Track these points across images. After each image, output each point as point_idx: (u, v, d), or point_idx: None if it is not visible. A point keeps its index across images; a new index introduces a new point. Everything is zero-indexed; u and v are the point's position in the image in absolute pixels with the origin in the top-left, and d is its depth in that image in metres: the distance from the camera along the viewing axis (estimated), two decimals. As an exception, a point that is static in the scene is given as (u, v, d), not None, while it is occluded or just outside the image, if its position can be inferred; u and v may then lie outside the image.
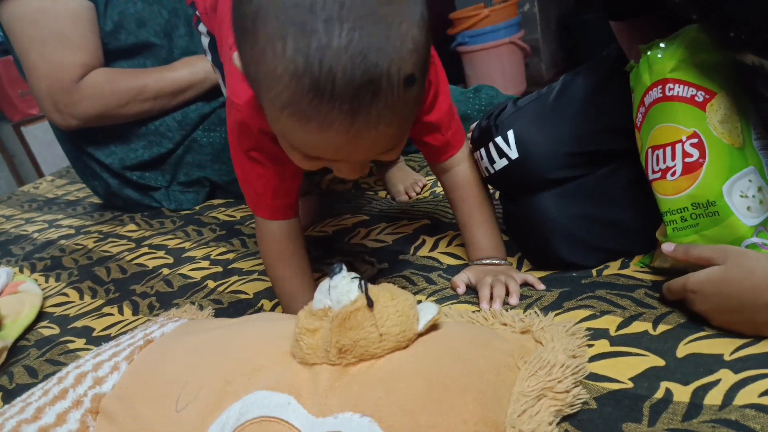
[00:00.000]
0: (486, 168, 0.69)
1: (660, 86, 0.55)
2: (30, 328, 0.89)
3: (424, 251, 0.81)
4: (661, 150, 0.55)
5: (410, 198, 1.00)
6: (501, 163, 0.67)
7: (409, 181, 1.01)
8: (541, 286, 0.65)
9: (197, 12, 0.86)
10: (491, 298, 0.64)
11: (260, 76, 0.46)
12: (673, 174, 0.54)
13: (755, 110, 0.55)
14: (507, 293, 0.65)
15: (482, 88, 1.18)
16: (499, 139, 0.67)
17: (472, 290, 0.68)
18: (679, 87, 0.54)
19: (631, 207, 0.65)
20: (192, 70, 1.15)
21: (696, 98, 0.54)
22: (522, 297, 0.64)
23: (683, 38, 0.55)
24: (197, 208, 1.23)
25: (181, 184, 1.25)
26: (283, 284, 0.71)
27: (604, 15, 0.64)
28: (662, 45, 0.56)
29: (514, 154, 0.66)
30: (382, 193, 1.07)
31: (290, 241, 0.71)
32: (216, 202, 1.24)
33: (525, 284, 0.67)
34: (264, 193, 0.70)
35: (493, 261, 0.70)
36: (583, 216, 0.65)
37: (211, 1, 0.81)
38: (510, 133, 0.66)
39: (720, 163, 0.52)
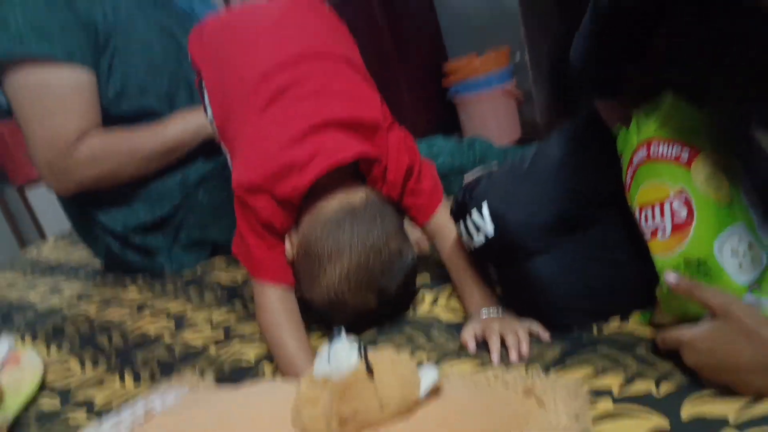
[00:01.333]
0: (467, 244, 0.70)
1: (645, 146, 0.56)
2: (31, 401, 0.88)
3: (423, 308, 0.81)
4: (650, 209, 0.56)
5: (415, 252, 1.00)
6: (479, 240, 0.67)
7: (414, 237, 1.02)
8: (547, 335, 0.65)
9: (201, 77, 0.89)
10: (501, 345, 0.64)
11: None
12: (663, 233, 0.55)
13: (743, 167, 0.56)
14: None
15: (476, 140, 1.20)
16: (474, 212, 0.67)
17: (481, 344, 0.68)
18: (663, 146, 0.55)
19: (625, 266, 0.65)
20: (184, 125, 1.16)
21: (681, 157, 0.55)
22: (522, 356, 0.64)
23: (663, 104, 0.57)
24: (199, 268, 1.24)
25: (182, 245, 1.26)
26: (281, 349, 0.72)
27: (593, 95, 0.65)
28: (646, 107, 0.57)
29: (490, 228, 0.65)
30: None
31: (287, 306, 0.75)
32: (218, 262, 1.25)
33: (530, 333, 0.66)
34: (263, 260, 0.73)
35: (495, 312, 0.71)
36: (577, 279, 0.64)
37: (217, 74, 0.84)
38: (484, 205, 0.66)
39: (708, 221, 0.53)
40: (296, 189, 0.71)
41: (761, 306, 0.52)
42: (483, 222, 0.66)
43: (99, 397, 0.84)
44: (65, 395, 0.87)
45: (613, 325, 0.65)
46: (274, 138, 0.73)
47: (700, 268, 0.52)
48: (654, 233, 0.55)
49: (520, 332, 0.65)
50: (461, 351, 0.68)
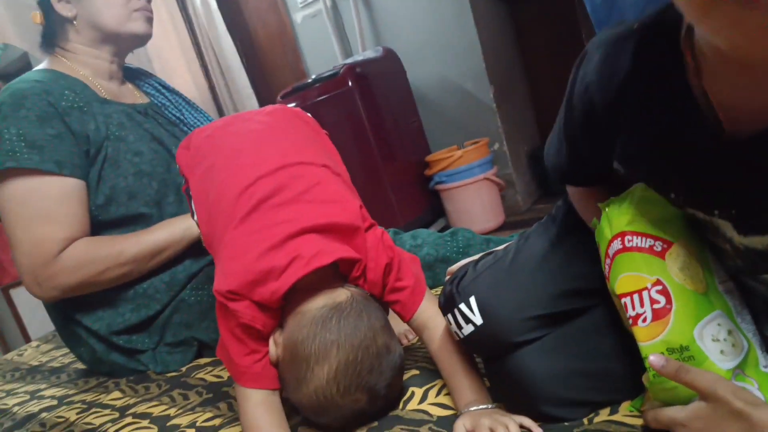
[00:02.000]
0: (456, 333, 0.71)
1: (619, 238, 0.58)
2: None
3: (413, 404, 0.79)
4: (629, 297, 0.57)
5: (402, 344, 1.00)
6: (468, 329, 0.68)
7: (400, 329, 1.02)
8: (539, 430, 0.64)
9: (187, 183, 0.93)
10: None
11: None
12: (645, 320, 0.55)
13: (715, 257, 0.58)
14: None
15: (458, 231, 1.23)
16: (462, 306, 0.68)
17: None
18: (637, 238, 0.57)
19: (612, 355, 0.65)
20: (170, 230, 1.18)
21: (654, 248, 0.57)
22: (515, 452, 0.62)
23: (633, 195, 0.59)
24: (184, 369, 1.21)
25: (168, 344, 1.24)
26: None
27: (561, 183, 0.68)
28: (616, 202, 0.60)
29: (478, 320, 0.67)
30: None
31: (270, 408, 0.74)
32: (203, 361, 1.22)
33: (522, 427, 0.65)
34: (244, 366, 0.73)
35: (484, 406, 0.70)
36: (565, 370, 0.65)
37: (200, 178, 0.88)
38: (472, 300, 0.68)
39: (687, 309, 0.54)
40: (275, 294, 0.72)
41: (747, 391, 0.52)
42: (472, 314, 0.67)
43: None
44: None
45: (603, 414, 0.64)
46: (253, 247, 0.74)
47: (683, 354, 0.53)
48: (635, 320, 0.56)
49: (511, 427, 0.64)
50: (452, 449, 0.66)
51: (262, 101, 2.61)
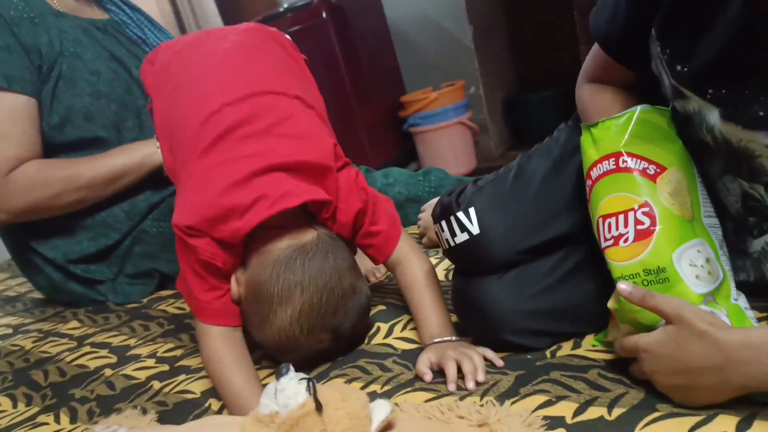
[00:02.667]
0: (447, 240, 0.70)
1: (613, 158, 0.58)
2: (-47, 445, 0.81)
3: (378, 338, 0.79)
4: (614, 218, 0.57)
5: (369, 281, 0.99)
6: (462, 237, 0.68)
7: (368, 266, 1.00)
8: (500, 363, 0.65)
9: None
10: (457, 375, 0.63)
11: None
12: (626, 240, 0.56)
13: (704, 189, 0.59)
14: None
15: (431, 170, 1.21)
16: (460, 214, 0.68)
17: (436, 373, 0.67)
18: (631, 160, 0.57)
19: (581, 291, 0.66)
20: (129, 155, 1.12)
21: (647, 170, 0.57)
22: (479, 383, 0.63)
23: (630, 117, 0.59)
24: (145, 300, 1.19)
25: (128, 276, 1.20)
26: (225, 387, 0.70)
27: (603, 47, 0.65)
28: (609, 123, 0.59)
29: (475, 229, 0.67)
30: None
31: (231, 343, 0.72)
32: (165, 293, 1.20)
33: (485, 360, 0.66)
34: (204, 302, 0.72)
35: (448, 338, 0.70)
36: (533, 303, 0.65)
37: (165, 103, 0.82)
38: (471, 210, 0.67)
39: (670, 232, 0.55)
40: (237, 232, 0.69)
41: (715, 316, 0.52)
42: (469, 223, 0.67)
43: (30, 439, 0.78)
44: (-8, 438, 0.81)
45: (566, 348, 0.65)
46: (216, 180, 0.71)
47: (659, 275, 0.54)
48: (617, 240, 0.57)
49: (475, 359, 0.65)
50: (416, 381, 0.67)
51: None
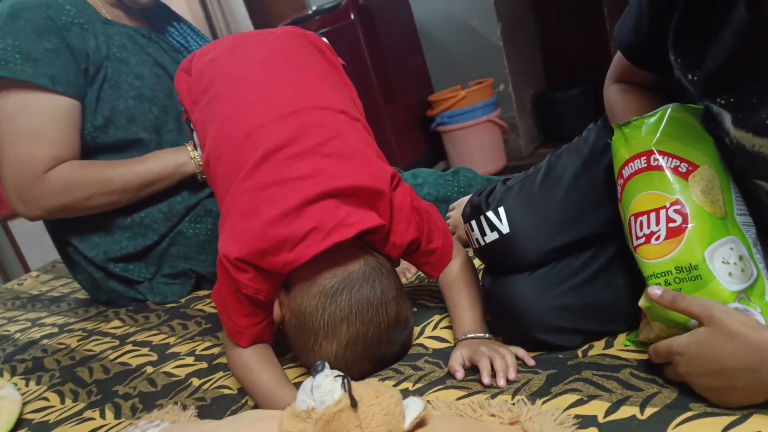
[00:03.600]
0: (477, 239, 0.71)
1: (645, 157, 0.59)
2: (7, 438, 0.86)
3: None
4: (645, 216, 0.58)
5: (403, 279, 1.00)
6: (492, 236, 0.69)
7: (401, 266, 1.01)
8: (532, 362, 0.65)
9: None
10: (491, 370, 0.64)
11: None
12: (657, 238, 0.56)
13: (736, 188, 0.59)
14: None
15: (460, 170, 1.22)
16: (490, 214, 0.69)
17: (468, 370, 0.68)
18: (663, 158, 0.58)
19: (611, 289, 0.66)
20: (163, 163, 1.15)
21: (679, 168, 0.57)
22: (509, 382, 0.64)
23: (661, 116, 0.59)
24: (183, 300, 1.22)
25: (165, 276, 1.24)
26: (254, 386, 0.72)
27: (625, 55, 0.67)
28: (640, 122, 0.60)
29: (505, 228, 0.68)
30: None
31: (258, 350, 0.75)
32: (202, 293, 1.23)
33: (516, 357, 0.66)
34: (244, 327, 0.73)
35: (481, 335, 0.71)
36: (563, 300, 0.65)
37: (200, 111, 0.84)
38: (501, 210, 0.68)
39: (702, 229, 0.55)
40: (287, 266, 0.68)
41: (747, 314, 0.52)
42: (499, 222, 0.68)
43: (78, 433, 0.81)
44: (43, 431, 0.85)
45: (598, 348, 0.65)
46: (265, 206, 0.68)
47: (691, 273, 0.54)
48: (648, 238, 0.57)
49: (507, 356, 0.65)
50: (447, 378, 0.68)
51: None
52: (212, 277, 1.22)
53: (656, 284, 0.56)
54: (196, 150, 1.13)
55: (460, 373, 0.67)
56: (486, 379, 0.63)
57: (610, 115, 0.70)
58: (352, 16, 2.17)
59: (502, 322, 0.72)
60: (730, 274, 0.53)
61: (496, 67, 2.36)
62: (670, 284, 0.55)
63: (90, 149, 1.17)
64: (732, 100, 0.53)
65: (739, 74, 0.51)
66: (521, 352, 0.67)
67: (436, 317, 0.83)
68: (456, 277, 0.77)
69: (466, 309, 0.74)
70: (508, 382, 0.63)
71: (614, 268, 0.66)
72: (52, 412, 0.90)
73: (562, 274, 0.66)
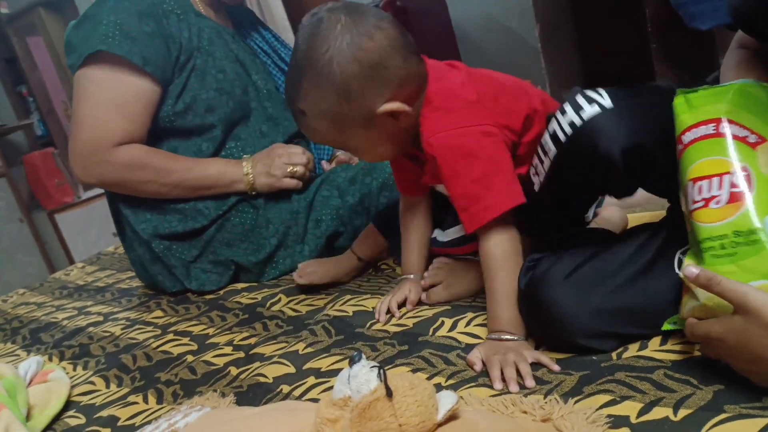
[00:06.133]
0: (571, 122, 0.66)
1: (713, 124, 0.59)
2: (57, 418, 0.90)
3: (443, 331, 0.82)
4: (707, 181, 0.57)
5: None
6: (591, 111, 0.65)
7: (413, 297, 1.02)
8: (556, 368, 0.65)
9: None
10: (502, 378, 0.65)
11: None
12: (718, 202, 0.56)
13: None
14: (519, 374, 0.65)
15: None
16: (589, 91, 0.67)
17: None
18: (733, 126, 0.58)
19: (649, 291, 0.65)
20: (222, 170, 1.22)
21: (748, 138, 0.57)
22: (542, 382, 0.64)
23: (731, 88, 0.60)
24: (222, 292, 1.26)
25: (208, 262, 1.28)
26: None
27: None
28: (709, 90, 0.60)
29: (607, 102, 0.65)
30: (399, 270, 1.09)
31: (412, 211, 0.94)
32: (240, 286, 1.27)
33: (539, 364, 0.67)
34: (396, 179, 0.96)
35: (508, 337, 0.71)
36: (599, 303, 0.65)
37: None
38: (604, 92, 0.66)
39: (765, 197, 0.55)
40: None
41: None
42: (600, 97, 0.66)
43: (123, 416, 0.85)
44: (90, 413, 0.89)
45: (632, 350, 0.65)
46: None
47: (750, 236, 0.54)
48: (708, 202, 0.57)
49: (521, 366, 0.65)
50: (480, 377, 0.68)
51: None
52: (251, 267, 1.25)
53: (711, 247, 0.56)
54: (252, 168, 1.21)
55: (477, 365, 0.69)
56: (497, 385, 0.65)
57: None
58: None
59: (538, 325, 0.71)
60: None
61: (534, 69, 2.34)
62: (725, 248, 0.55)
63: (164, 131, 1.23)
64: None
65: None
66: (544, 359, 0.66)
67: (469, 314, 0.84)
68: (496, 257, 0.74)
69: (500, 301, 0.73)
70: (524, 388, 0.63)
71: (654, 270, 0.66)
72: (98, 396, 0.95)
73: (600, 276, 0.66)
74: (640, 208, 1.03)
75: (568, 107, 0.67)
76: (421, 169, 0.87)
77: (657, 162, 0.66)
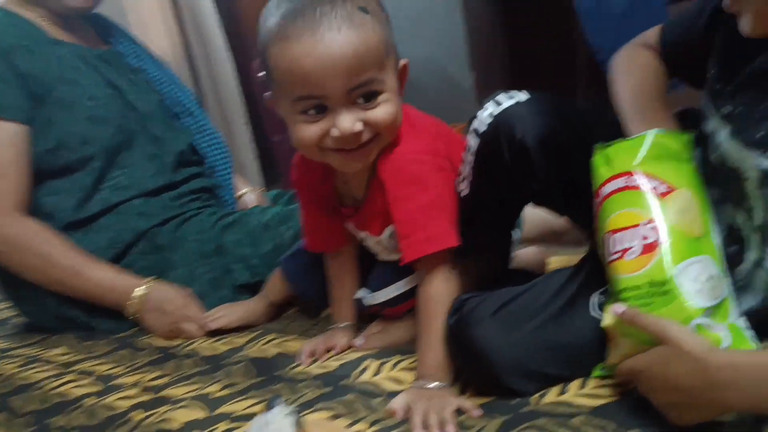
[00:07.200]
0: (491, 113, 0.67)
1: (625, 177, 0.61)
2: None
3: (367, 375, 0.78)
4: (621, 233, 0.60)
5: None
6: (509, 102, 0.67)
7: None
8: (477, 413, 0.64)
9: None
10: (424, 426, 0.62)
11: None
12: (632, 253, 0.58)
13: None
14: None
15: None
16: (507, 92, 0.68)
17: None
18: (642, 178, 0.60)
19: (573, 329, 0.66)
20: (111, 286, 1.10)
21: (657, 189, 0.60)
22: (464, 426, 0.62)
23: (642, 140, 0.62)
24: (133, 330, 1.17)
25: (111, 311, 1.16)
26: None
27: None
28: (623, 144, 0.63)
29: (524, 97, 0.66)
30: (326, 312, 1.06)
31: (337, 264, 0.89)
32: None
33: (461, 411, 0.65)
34: (306, 233, 0.89)
35: (433, 384, 0.69)
36: (524, 341, 0.65)
37: None
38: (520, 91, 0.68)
39: (676, 247, 0.57)
40: None
41: (712, 329, 0.54)
42: (520, 94, 0.67)
43: (4, 467, 0.76)
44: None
45: (553, 393, 0.64)
46: None
47: (662, 287, 0.56)
48: (623, 253, 0.59)
49: (445, 413, 0.63)
50: (403, 424, 0.66)
51: (239, 65, 2.55)
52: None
53: (628, 297, 0.57)
54: (140, 305, 1.09)
55: (399, 414, 0.66)
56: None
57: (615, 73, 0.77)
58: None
59: (465, 363, 0.70)
60: (698, 291, 0.55)
61: (470, 113, 2.42)
62: (641, 298, 0.57)
63: (39, 173, 1.13)
64: (736, 111, 0.59)
65: (747, 86, 0.58)
66: (467, 405, 0.65)
67: (396, 357, 0.81)
68: (435, 302, 0.71)
69: (432, 347, 0.70)
70: None
71: (577, 306, 0.67)
72: (-20, 444, 0.85)
73: (524, 314, 0.66)
74: (561, 252, 1.05)
75: (488, 104, 0.69)
76: (350, 215, 0.83)
77: (572, 158, 0.67)
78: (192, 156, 1.28)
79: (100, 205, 1.16)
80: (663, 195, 0.59)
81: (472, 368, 0.69)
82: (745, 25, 0.57)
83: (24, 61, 1.09)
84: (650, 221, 0.58)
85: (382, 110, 0.68)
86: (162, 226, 1.17)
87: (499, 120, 0.67)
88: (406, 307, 0.84)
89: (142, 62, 1.32)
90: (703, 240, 0.59)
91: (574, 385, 0.65)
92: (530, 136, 0.65)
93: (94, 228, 1.16)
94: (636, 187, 0.60)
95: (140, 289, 1.09)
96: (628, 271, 0.58)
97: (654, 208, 0.59)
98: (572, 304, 0.67)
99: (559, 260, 1.00)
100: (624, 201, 0.61)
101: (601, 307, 0.65)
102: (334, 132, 0.67)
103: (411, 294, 0.78)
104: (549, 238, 1.07)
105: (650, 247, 0.57)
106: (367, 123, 0.68)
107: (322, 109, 0.67)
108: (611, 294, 0.62)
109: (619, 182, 0.61)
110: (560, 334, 0.65)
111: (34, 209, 1.14)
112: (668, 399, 0.52)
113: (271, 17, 0.68)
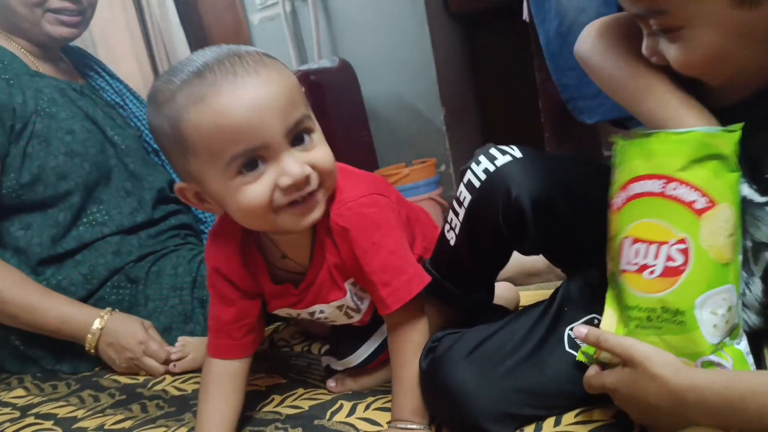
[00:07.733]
0: (486, 169, 0.68)
1: (664, 181, 0.54)
2: None
3: (340, 416, 0.77)
4: (644, 245, 0.55)
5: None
6: (504, 159, 0.68)
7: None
8: None
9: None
10: None
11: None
12: (652, 272, 0.54)
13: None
14: None
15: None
16: (493, 150, 0.69)
17: None
18: (682, 189, 0.53)
19: (547, 368, 0.66)
20: (67, 319, 1.06)
21: (695, 204, 0.53)
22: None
23: (692, 139, 0.54)
24: (97, 368, 1.13)
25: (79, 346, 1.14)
26: (200, 415, 0.75)
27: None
28: (667, 137, 0.55)
29: (518, 154, 0.67)
30: (298, 347, 1.04)
31: (226, 379, 0.76)
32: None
33: None
34: (211, 330, 0.78)
35: (409, 426, 0.68)
36: (498, 383, 0.65)
37: None
38: (513, 146, 0.69)
39: (701, 276, 0.53)
40: None
41: (716, 364, 0.53)
42: (513, 151, 0.68)
43: None
44: None
45: (528, 434, 0.64)
46: None
47: (676, 317, 0.53)
48: (642, 269, 0.55)
49: None
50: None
51: (211, 99, 2.56)
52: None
53: (635, 317, 0.56)
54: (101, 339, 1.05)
55: None
56: None
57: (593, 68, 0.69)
58: (303, 90, 2.23)
59: (438, 407, 0.69)
60: (715, 326, 0.53)
61: (439, 149, 2.45)
62: (651, 320, 0.54)
63: (11, 208, 1.10)
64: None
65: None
66: None
67: (369, 398, 0.80)
68: (412, 343, 0.70)
69: (407, 390, 0.69)
70: None
71: (550, 346, 0.67)
72: (-73, 495, 0.79)
73: (498, 354, 0.66)
74: (534, 286, 1.06)
75: (482, 158, 0.69)
76: (289, 294, 0.77)
77: (563, 218, 0.68)
78: (171, 193, 1.26)
79: (76, 242, 1.13)
80: (701, 212, 0.53)
81: (447, 411, 0.68)
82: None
83: (3, 93, 1.07)
84: (681, 241, 0.53)
85: (321, 151, 0.65)
86: (138, 262, 1.15)
87: (494, 178, 0.67)
88: (382, 359, 0.82)
89: (118, 97, 1.32)
90: (731, 266, 0.54)
91: (549, 422, 0.65)
92: (525, 197, 0.65)
93: (70, 263, 1.13)
94: (674, 199, 0.53)
95: (98, 321, 1.06)
96: (642, 290, 0.54)
97: (686, 226, 0.53)
98: (545, 342, 0.67)
99: (531, 295, 1.01)
100: (657, 209, 0.54)
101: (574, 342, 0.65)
102: (284, 181, 0.60)
103: (384, 345, 0.78)
104: (521, 278, 1.08)
105: (674, 272, 0.53)
106: (311, 166, 0.63)
107: (256, 165, 0.61)
108: (612, 298, 0.60)
109: (655, 186, 0.54)
110: (535, 374, 0.65)
111: (6, 243, 1.11)
112: (639, 415, 0.55)
113: (167, 91, 0.60)
